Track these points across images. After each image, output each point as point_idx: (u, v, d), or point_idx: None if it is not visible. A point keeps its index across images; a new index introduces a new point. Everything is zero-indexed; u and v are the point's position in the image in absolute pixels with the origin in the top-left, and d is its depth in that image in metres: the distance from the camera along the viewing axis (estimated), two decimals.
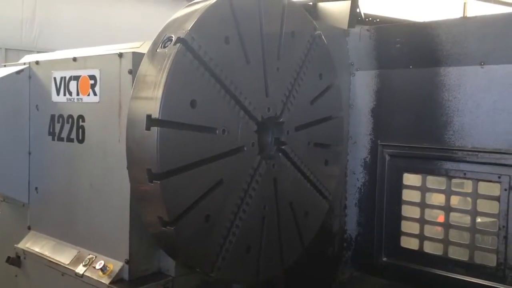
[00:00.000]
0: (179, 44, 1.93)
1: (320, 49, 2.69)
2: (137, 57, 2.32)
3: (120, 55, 2.40)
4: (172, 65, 1.90)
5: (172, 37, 1.97)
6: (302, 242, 2.72)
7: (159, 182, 1.91)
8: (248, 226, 2.34)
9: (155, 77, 1.93)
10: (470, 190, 2.93)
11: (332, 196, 2.89)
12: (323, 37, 2.71)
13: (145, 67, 2.01)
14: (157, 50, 1.98)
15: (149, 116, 1.89)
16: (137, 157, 2.00)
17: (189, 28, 1.95)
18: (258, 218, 2.42)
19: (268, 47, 2.33)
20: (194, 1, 2.17)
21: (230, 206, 2.25)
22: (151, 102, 1.91)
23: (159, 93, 1.89)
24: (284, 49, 2.42)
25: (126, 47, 2.50)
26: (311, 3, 3.80)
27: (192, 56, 1.97)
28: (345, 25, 3.45)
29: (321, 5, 3.76)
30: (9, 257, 2.99)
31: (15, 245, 2.98)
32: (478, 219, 2.93)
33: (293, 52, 2.52)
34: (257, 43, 2.27)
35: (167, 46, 1.95)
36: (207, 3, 2.07)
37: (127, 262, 2.39)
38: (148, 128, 1.89)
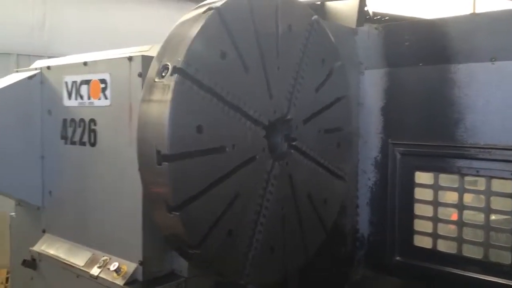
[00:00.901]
0: (176, 74, 1.90)
1: (319, 34, 2.60)
2: (146, 60, 2.33)
3: (130, 58, 2.42)
4: (172, 97, 1.88)
5: (168, 65, 1.94)
6: (324, 228, 2.73)
7: (178, 213, 1.94)
8: (269, 229, 2.36)
9: (158, 110, 1.92)
10: (483, 188, 2.90)
11: (347, 175, 2.87)
12: (320, 21, 2.63)
13: (146, 98, 1.99)
14: (155, 81, 1.96)
15: (158, 152, 1.90)
16: (152, 189, 2.03)
17: (183, 55, 1.91)
18: (279, 218, 2.43)
19: (266, 49, 2.27)
20: (189, 13, 2.12)
21: (249, 215, 2.26)
22: (158, 137, 1.90)
23: (165, 127, 1.88)
24: (282, 46, 2.37)
25: (135, 51, 2.51)
26: (318, 2, 3.80)
27: (191, 82, 1.94)
28: (353, 24, 3.45)
29: (329, 4, 3.76)
30: (24, 260, 3.02)
31: (30, 248, 3.01)
32: (492, 217, 2.90)
33: (292, 45, 2.46)
34: (254, 49, 2.22)
35: (164, 76, 1.93)
36: (198, 21, 2.01)
37: (140, 263, 2.41)
38: (159, 164, 1.90)
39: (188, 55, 1.92)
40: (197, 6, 2.15)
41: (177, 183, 1.93)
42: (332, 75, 2.70)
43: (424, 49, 3.07)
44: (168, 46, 2.03)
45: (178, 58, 1.91)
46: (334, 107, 2.72)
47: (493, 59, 2.80)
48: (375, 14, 3.77)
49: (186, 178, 1.97)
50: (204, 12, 2.03)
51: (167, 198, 1.94)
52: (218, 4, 2.04)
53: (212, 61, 2.03)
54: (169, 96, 1.88)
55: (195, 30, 1.97)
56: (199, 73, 1.96)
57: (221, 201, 2.11)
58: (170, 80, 1.90)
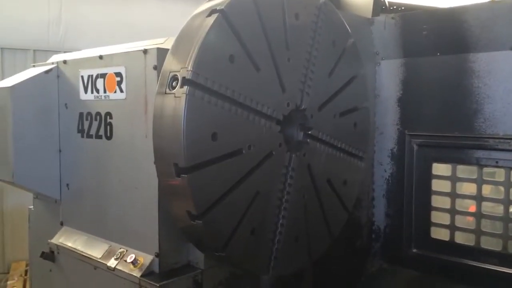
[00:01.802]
0: (186, 86, 1.87)
1: (327, 16, 2.52)
2: (161, 53, 2.33)
3: (145, 51, 2.42)
4: (185, 110, 1.86)
5: (177, 76, 1.91)
6: (345, 209, 2.74)
7: (201, 221, 1.95)
8: (292, 219, 2.36)
9: (171, 124, 1.90)
10: (502, 179, 2.86)
11: (366, 153, 2.85)
12: (328, 2, 2.54)
13: (159, 110, 1.97)
14: (166, 92, 1.94)
15: (176, 165, 1.90)
16: (173, 200, 2.05)
17: (192, 66, 1.87)
18: (300, 208, 2.43)
19: (274, 43, 2.21)
20: (195, 13, 2.07)
21: (271, 211, 2.27)
22: (174, 150, 1.90)
23: (180, 141, 1.86)
24: (291, 37, 2.30)
25: (150, 44, 2.51)
26: None
27: (202, 92, 1.91)
28: (369, 14, 3.39)
29: None
30: (43, 252, 3.07)
31: (49, 240, 3.06)
32: (511, 209, 2.85)
33: (301, 33, 2.39)
34: (263, 46, 2.16)
35: (174, 87, 1.91)
36: (203, 26, 1.95)
37: (157, 255, 2.43)
38: (178, 176, 1.91)
39: (196, 64, 1.88)
40: (205, 2, 2.10)
41: (197, 193, 1.93)
42: (344, 55, 2.63)
43: (442, 38, 3.01)
44: (176, 53, 1.99)
45: (187, 69, 1.88)
46: (348, 88, 2.66)
47: None
48: (391, 4, 3.70)
49: (205, 187, 1.97)
50: (208, 15, 1.97)
51: (188, 208, 1.95)
52: (222, 5, 1.98)
53: (221, 66, 1.99)
54: (181, 109, 1.86)
55: (201, 36, 1.92)
56: (209, 81, 1.93)
57: (242, 202, 2.11)
58: (181, 93, 1.88)
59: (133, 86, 2.53)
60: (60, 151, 3.06)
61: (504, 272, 2.83)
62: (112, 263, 2.56)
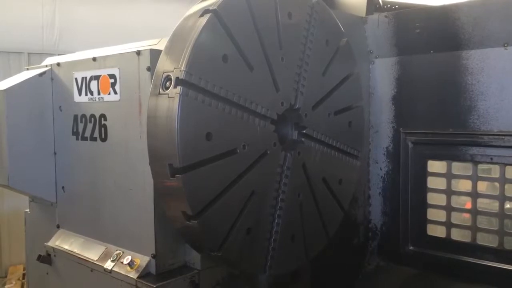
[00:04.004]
0: (179, 86, 1.87)
1: (320, 15, 2.53)
2: (154, 54, 2.33)
3: (138, 52, 2.42)
4: (179, 110, 1.86)
5: (170, 76, 1.91)
6: (341, 208, 2.75)
7: (196, 221, 1.96)
8: (288, 218, 2.36)
9: (165, 124, 1.90)
10: (497, 175, 2.86)
11: (361, 152, 2.86)
12: (320, 1, 2.56)
13: (152, 111, 1.97)
14: (159, 92, 1.94)
15: (170, 165, 1.90)
16: (168, 200, 2.06)
17: (185, 66, 1.88)
18: (296, 206, 2.44)
19: (268, 43, 2.21)
20: (188, 13, 2.08)
21: (266, 210, 2.27)
22: (169, 151, 1.90)
23: (174, 141, 1.87)
24: (284, 36, 2.31)
25: (143, 45, 2.51)
26: None
27: (195, 91, 1.91)
28: (362, 13, 3.40)
29: None
30: (40, 255, 3.06)
31: (45, 244, 3.05)
32: (507, 205, 2.86)
33: (294, 33, 2.40)
34: (256, 46, 2.17)
35: (168, 88, 1.91)
36: (196, 26, 1.96)
37: (153, 256, 2.43)
38: (172, 176, 1.91)
39: (189, 64, 1.88)
40: (197, 2, 2.10)
41: (192, 193, 1.94)
42: (337, 54, 2.64)
43: (435, 36, 3.02)
44: (169, 53, 1.99)
45: (180, 69, 1.88)
46: (342, 87, 2.68)
47: (506, 44, 2.75)
48: (384, 2, 3.72)
49: (200, 187, 1.97)
50: (201, 15, 1.97)
51: (184, 208, 1.95)
52: (215, 6, 1.98)
53: (214, 66, 1.99)
54: (175, 109, 1.86)
55: (194, 36, 1.92)
56: (203, 81, 1.93)
57: (237, 201, 2.11)
58: (175, 93, 1.88)
59: (127, 87, 2.53)
60: (55, 153, 3.05)
61: (500, 268, 2.84)
62: (108, 265, 2.56)
